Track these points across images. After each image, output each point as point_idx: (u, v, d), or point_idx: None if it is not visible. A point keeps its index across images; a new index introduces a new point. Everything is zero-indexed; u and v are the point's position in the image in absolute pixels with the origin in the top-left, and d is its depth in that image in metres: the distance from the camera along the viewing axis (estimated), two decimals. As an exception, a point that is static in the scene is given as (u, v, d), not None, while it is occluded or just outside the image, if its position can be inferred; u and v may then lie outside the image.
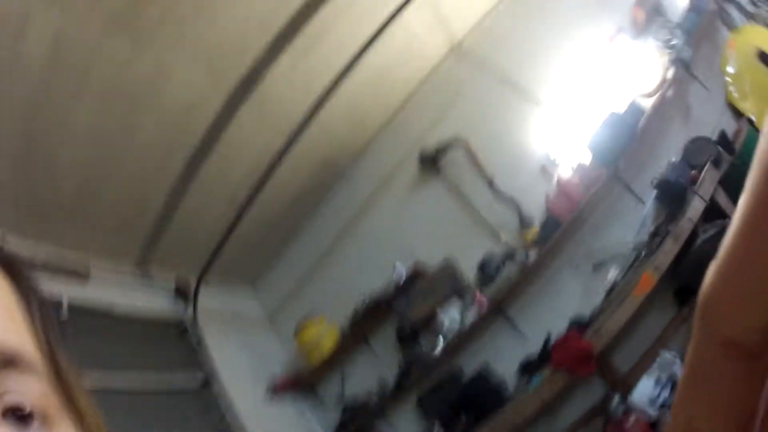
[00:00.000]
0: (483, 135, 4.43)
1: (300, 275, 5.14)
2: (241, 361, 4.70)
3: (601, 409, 3.75)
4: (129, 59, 3.37)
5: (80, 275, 3.91)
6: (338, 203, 5.00)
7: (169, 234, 4.37)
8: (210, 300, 4.76)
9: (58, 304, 3.62)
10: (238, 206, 4.27)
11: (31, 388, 0.47)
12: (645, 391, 3.44)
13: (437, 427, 4.24)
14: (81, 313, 3.66)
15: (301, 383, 4.82)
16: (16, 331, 0.50)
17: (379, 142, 4.87)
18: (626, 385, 3.61)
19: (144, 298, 4.20)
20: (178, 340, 4.37)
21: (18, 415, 0.45)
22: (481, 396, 4.10)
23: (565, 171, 4.20)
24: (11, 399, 0.45)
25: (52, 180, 3.67)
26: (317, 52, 4.00)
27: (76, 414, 0.51)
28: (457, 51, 4.78)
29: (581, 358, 3.52)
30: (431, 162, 4.53)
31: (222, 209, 4.38)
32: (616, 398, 3.59)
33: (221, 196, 4.40)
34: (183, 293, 4.60)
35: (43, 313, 0.54)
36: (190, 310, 4.55)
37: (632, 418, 3.43)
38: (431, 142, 4.52)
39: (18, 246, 3.71)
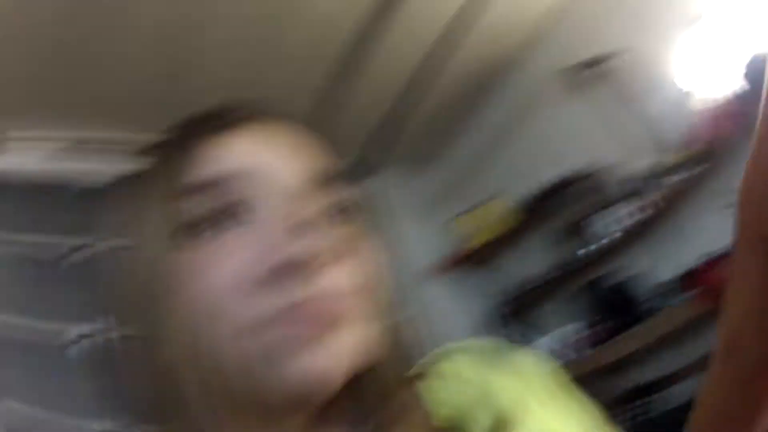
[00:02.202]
0: (638, 49, 4.14)
1: (465, 167, 5.28)
2: (411, 238, 5.16)
3: None
4: None
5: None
6: (510, 94, 4.96)
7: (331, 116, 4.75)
8: (385, 185, 5.29)
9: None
10: (404, 92, 4.56)
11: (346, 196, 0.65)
12: None
13: (581, 326, 4.31)
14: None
15: (464, 263, 5.11)
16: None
17: (548, 40, 4.67)
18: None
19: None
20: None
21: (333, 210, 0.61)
22: (625, 304, 4.08)
23: (717, 98, 3.82)
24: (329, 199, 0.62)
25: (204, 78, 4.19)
26: None
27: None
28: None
29: (718, 289, 3.28)
30: (590, 69, 4.30)
31: (392, 92, 4.63)
32: None
33: (389, 80, 4.58)
34: (357, 174, 4.98)
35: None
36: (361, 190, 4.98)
37: None
38: (592, 48, 4.30)
39: None
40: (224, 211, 0.55)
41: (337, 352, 0.54)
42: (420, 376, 0.69)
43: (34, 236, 3.94)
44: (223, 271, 0.52)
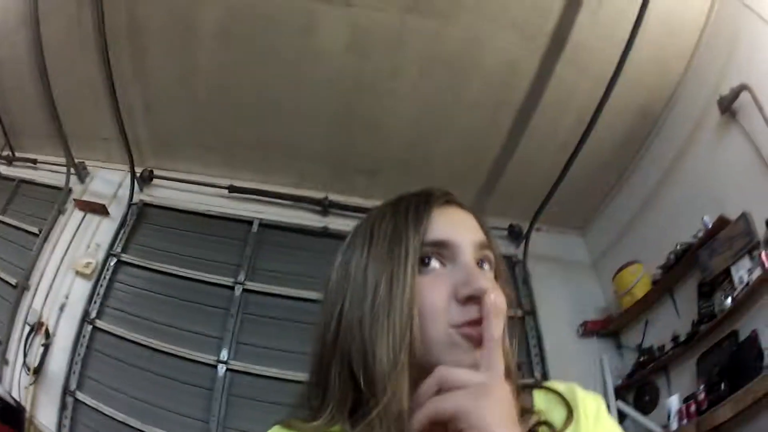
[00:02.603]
0: (763, 81, 3.84)
1: (623, 223, 5.16)
2: (560, 300, 5.21)
3: None
4: (438, 30, 4.27)
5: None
6: (654, 151, 4.87)
7: (501, 183, 5.17)
8: (539, 244, 5.37)
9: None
10: (567, 153, 4.72)
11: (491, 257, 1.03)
12: None
13: (701, 388, 4.00)
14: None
15: (608, 326, 5.02)
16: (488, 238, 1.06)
17: (683, 89, 4.54)
18: None
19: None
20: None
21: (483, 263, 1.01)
22: (743, 363, 3.74)
23: None
24: (484, 257, 1.01)
25: (379, 143, 4.88)
26: (609, 3, 4.17)
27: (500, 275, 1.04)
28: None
29: None
30: (727, 109, 4.06)
31: (552, 157, 4.87)
32: None
33: (551, 145, 4.89)
34: (514, 235, 5.36)
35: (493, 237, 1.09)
36: (521, 249, 5.30)
37: None
38: (725, 88, 4.05)
39: (344, 198, 5.29)
40: (441, 259, 0.95)
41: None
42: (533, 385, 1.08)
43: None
44: (441, 291, 0.91)
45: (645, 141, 5.00)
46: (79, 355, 4.49)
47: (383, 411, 0.85)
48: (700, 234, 4.27)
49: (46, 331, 4.53)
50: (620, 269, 4.94)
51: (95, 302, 4.70)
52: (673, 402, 4.15)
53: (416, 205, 1.00)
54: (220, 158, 5.17)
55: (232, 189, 5.19)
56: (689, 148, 4.59)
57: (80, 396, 4.35)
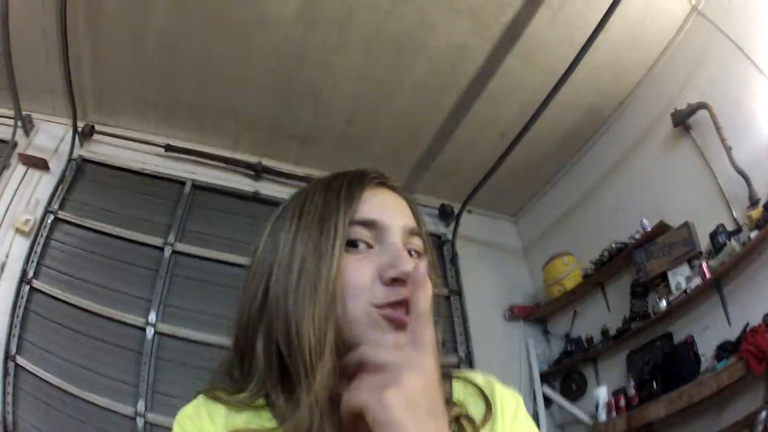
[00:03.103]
0: (726, 100, 4.02)
1: (558, 214, 5.36)
2: (488, 283, 5.34)
3: (750, 425, 3.39)
4: (390, 9, 4.10)
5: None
6: (600, 150, 5.02)
7: (437, 164, 5.19)
8: (470, 226, 5.46)
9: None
10: (507, 141, 4.77)
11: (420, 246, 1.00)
12: None
13: (630, 383, 4.22)
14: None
15: (536, 313, 5.24)
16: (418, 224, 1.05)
17: (638, 96, 4.71)
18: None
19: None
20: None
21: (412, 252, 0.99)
22: (677, 365, 3.98)
23: None
24: (414, 245, 1.00)
25: (320, 114, 4.76)
26: (572, 6, 4.16)
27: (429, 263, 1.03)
28: (697, 13, 4.31)
29: (757, 352, 3.29)
30: (681, 122, 4.24)
31: (491, 143, 4.92)
32: (764, 413, 3.27)
33: (491, 131, 4.90)
34: (446, 215, 5.42)
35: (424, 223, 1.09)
36: (451, 229, 5.37)
37: None
38: (682, 101, 4.24)
39: (277, 164, 5.21)
40: (361, 241, 0.94)
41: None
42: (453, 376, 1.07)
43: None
44: (365, 271, 0.91)
45: (590, 140, 5.14)
46: (17, 317, 4.22)
47: (308, 387, 0.85)
48: (638, 236, 4.46)
49: (-16, 291, 4.28)
50: (552, 258, 5.11)
51: (32, 261, 4.41)
52: (602, 393, 4.35)
53: (349, 183, 1.01)
54: (161, 116, 4.90)
55: (168, 148, 4.97)
56: (636, 153, 4.76)
57: (20, 361, 4.10)
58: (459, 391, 1.04)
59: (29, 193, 4.60)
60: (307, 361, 0.85)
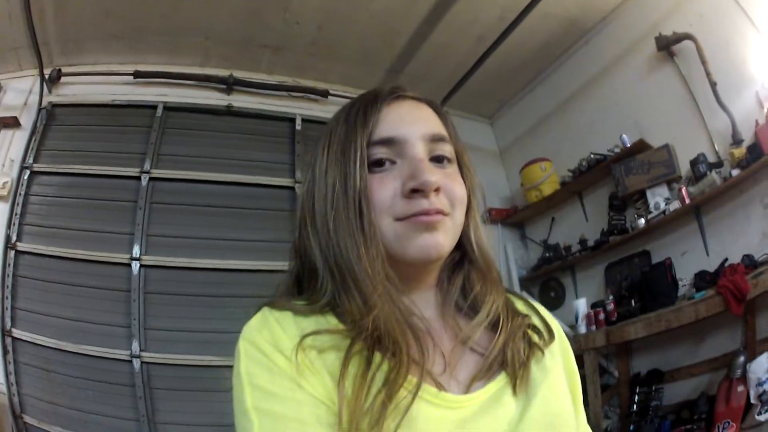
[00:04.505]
0: (713, 38, 3.97)
1: (535, 121, 5.35)
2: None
3: (729, 362, 3.61)
4: None
5: (318, 96, 5.06)
6: (579, 61, 4.94)
7: (412, 66, 5.01)
8: None
9: (293, 118, 4.97)
10: (484, 46, 4.62)
11: (448, 150, 1.03)
12: (762, 367, 3.31)
13: (609, 298, 4.38)
14: (315, 126, 4.86)
15: (513, 216, 5.32)
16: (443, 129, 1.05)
17: (621, 14, 4.59)
18: (755, 348, 3.50)
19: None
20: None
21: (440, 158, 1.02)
22: (655, 286, 4.12)
23: None
24: (440, 151, 1.02)
25: (290, 22, 4.51)
26: None
27: (463, 166, 1.08)
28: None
29: (737, 293, 3.39)
30: (666, 47, 4.19)
31: (468, 46, 4.75)
32: (742, 358, 3.48)
33: (469, 34, 4.70)
34: None
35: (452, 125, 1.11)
36: None
37: (740, 388, 3.39)
38: (668, 28, 4.18)
39: (248, 75, 4.98)
40: (384, 159, 0.98)
41: (438, 239, 0.95)
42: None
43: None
44: (388, 188, 0.96)
45: (569, 51, 5.00)
46: (7, 287, 4.11)
47: (372, 291, 0.93)
48: (617, 150, 4.49)
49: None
50: (529, 163, 5.11)
51: (14, 224, 4.23)
52: (581, 305, 4.49)
53: (365, 106, 1.05)
54: (127, 45, 4.47)
55: (137, 74, 4.63)
56: (616, 69, 4.68)
57: (16, 333, 4.05)
58: (521, 307, 1.12)
59: (3, 155, 4.32)
60: (361, 276, 0.93)
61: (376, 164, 0.98)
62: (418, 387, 0.87)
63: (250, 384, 0.88)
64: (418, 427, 0.87)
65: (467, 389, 0.95)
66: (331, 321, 0.95)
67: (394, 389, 0.86)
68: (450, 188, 0.99)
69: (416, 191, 0.94)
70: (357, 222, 0.95)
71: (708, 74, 3.92)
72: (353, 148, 0.99)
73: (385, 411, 0.84)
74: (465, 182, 1.05)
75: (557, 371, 1.07)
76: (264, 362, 0.89)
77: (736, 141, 3.79)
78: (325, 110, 4.92)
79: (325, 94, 5.09)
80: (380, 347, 0.89)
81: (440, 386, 0.92)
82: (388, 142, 0.99)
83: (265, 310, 0.96)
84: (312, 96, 5.10)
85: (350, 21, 4.57)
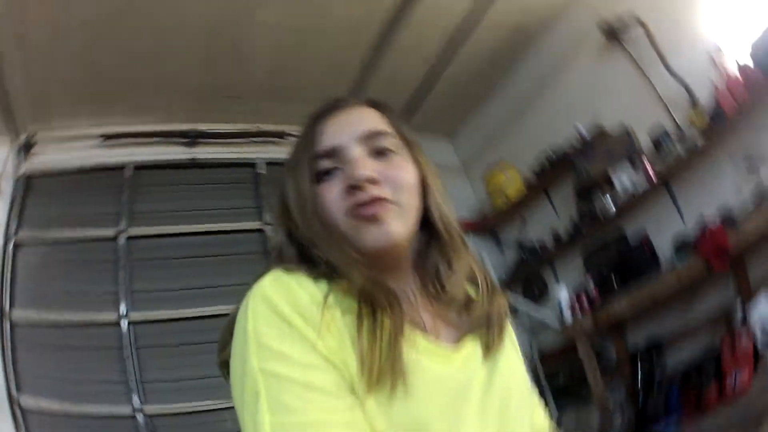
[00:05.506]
0: (658, 13, 4.16)
1: (493, 129, 5.50)
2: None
3: (726, 316, 3.64)
4: None
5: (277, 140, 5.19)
6: (529, 65, 5.11)
7: (367, 95, 5.11)
8: None
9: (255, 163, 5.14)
10: (433, 67, 4.82)
11: (390, 142, 1.11)
12: (763, 310, 3.34)
13: (590, 283, 4.46)
14: (279, 168, 4.99)
15: (484, 226, 5.41)
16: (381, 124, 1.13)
17: (566, 13, 4.77)
18: (752, 296, 3.50)
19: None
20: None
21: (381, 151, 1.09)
22: (636, 264, 4.18)
23: (731, 65, 3.78)
24: (378, 145, 1.09)
25: (243, 70, 4.69)
26: None
27: (413, 154, 1.17)
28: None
29: (718, 252, 3.46)
30: (613, 35, 4.38)
31: (418, 69, 4.92)
32: (739, 309, 3.51)
33: (417, 57, 4.85)
34: None
35: (395, 118, 1.20)
36: None
37: (743, 336, 3.41)
38: (612, 14, 4.36)
39: (210, 126, 5.11)
40: (331, 168, 1.07)
41: (387, 229, 1.02)
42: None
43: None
44: (333, 191, 1.04)
45: (518, 56, 5.14)
46: (8, 358, 4.09)
47: (356, 275, 0.99)
48: (575, 142, 4.61)
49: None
50: (491, 169, 5.25)
51: (5, 294, 4.24)
52: (563, 295, 4.54)
53: (308, 125, 1.16)
54: (93, 109, 4.58)
55: (104, 137, 4.76)
56: (567, 66, 4.86)
57: (23, 402, 4.02)
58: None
59: None
60: (343, 266, 1.00)
61: (326, 173, 1.08)
62: (418, 339, 1.01)
63: (257, 343, 0.89)
64: (425, 377, 0.96)
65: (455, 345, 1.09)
66: (341, 284, 0.98)
67: (399, 340, 0.94)
68: (393, 176, 1.08)
69: (353, 187, 1.03)
70: (318, 225, 1.05)
71: (655, 46, 4.08)
72: (300, 164, 1.10)
73: (399, 361, 0.92)
74: (419, 167, 1.15)
75: (510, 345, 1.22)
76: (276, 322, 0.91)
77: (694, 104, 3.90)
78: (287, 151, 5.03)
79: (282, 135, 5.21)
80: (378, 307, 0.97)
81: (434, 338, 1.06)
82: (329, 153, 1.09)
83: (279, 271, 0.99)
84: (273, 139, 5.22)
85: (300, 61, 4.72)
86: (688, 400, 3.69)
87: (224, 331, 1.00)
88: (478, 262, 1.22)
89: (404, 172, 1.10)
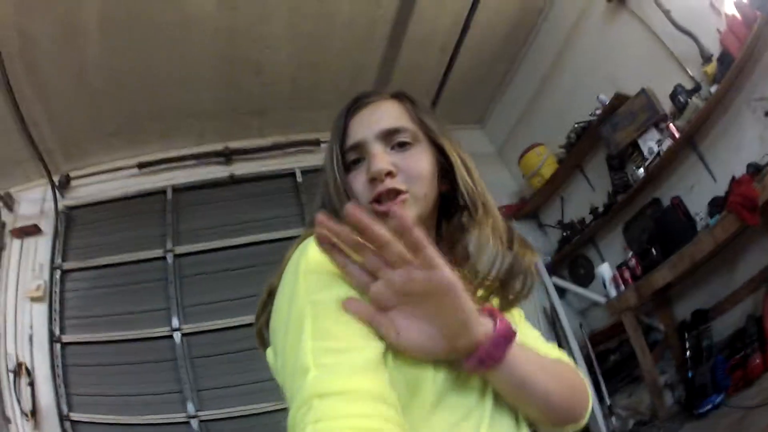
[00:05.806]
0: None
1: (520, 112, 5.43)
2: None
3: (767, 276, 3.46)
4: None
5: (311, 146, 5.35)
6: (543, 40, 5.00)
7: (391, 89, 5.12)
8: None
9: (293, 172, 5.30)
10: (450, 52, 4.77)
11: (407, 135, 1.21)
12: None
13: (629, 255, 4.35)
14: (316, 175, 5.07)
15: (525, 208, 5.36)
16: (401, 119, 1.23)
17: None
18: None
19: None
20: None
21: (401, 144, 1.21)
22: (672, 228, 4.05)
23: (730, 6, 3.62)
24: (396, 140, 1.20)
25: (267, 83, 4.84)
26: None
27: (434, 139, 1.26)
28: None
29: (748, 204, 3.29)
30: None
31: (435, 59, 4.91)
32: None
33: (431, 47, 4.86)
34: None
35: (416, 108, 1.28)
36: None
37: None
38: None
39: (243, 143, 5.33)
40: (358, 158, 1.19)
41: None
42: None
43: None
44: (359, 180, 1.16)
45: (529, 34, 5.09)
46: (59, 377, 4.43)
47: None
48: (598, 111, 4.48)
49: (26, 369, 4.40)
50: (524, 153, 5.18)
51: (55, 320, 4.60)
52: (605, 270, 4.45)
53: (337, 121, 1.27)
54: (125, 140, 5.04)
55: (140, 165, 5.11)
56: (578, 34, 4.75)
57: (74, 416, 4.34)
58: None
59: (32, 261, 4.76)
60: None
61: (354, 162, 1.21)
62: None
63: (306, 280, 0.97)
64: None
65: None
66: None
67: None
68: (406, 167, 1.18)
69: (374, 179, 1.15)
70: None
71: (658, 3, 3.95)
72: (332, 155, 1.23)
73: None
74: (440, 151, 1.25)
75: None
76: (325, 269, 0.98)
77: (706, 58, 3.76)
78: (322, 158, 5.15)
79: (317, 143, 5.34)
80: None
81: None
82: (355, 147, 1.21)
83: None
84: (306, 147, 5.37)
85: (318, 66, 4.85)
86: (734, 371, 3.49)
87: (263, 299, 1.13)
88: (507, 223, 1.26)
89: (420, 162, 1.20)
